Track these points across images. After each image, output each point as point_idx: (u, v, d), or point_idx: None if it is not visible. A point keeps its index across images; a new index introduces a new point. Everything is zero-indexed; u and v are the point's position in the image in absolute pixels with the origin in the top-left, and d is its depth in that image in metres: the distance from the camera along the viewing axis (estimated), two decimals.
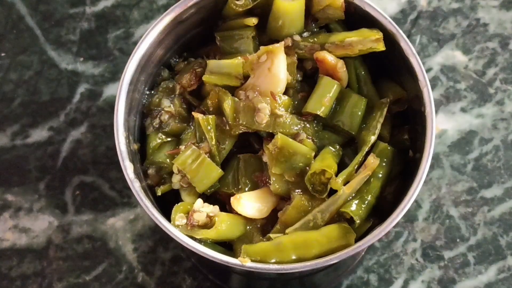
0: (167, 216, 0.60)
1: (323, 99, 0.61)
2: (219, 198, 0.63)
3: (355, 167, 0.60)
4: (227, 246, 0.62)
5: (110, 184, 0.79)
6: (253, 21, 0.62)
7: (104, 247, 0.77)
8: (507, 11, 0.84)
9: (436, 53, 0.83)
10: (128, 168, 0.60)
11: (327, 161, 0.60)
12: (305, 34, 0.64)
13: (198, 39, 0.67)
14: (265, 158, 0.61)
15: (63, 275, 0.77)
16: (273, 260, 0.58)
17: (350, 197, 0.59)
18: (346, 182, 0.59)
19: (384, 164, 0.61)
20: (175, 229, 0.59)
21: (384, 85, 0.65)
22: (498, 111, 0.81)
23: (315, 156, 0.61)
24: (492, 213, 0.78)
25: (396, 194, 0.62)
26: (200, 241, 0.59)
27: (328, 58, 0.62)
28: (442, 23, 0.84)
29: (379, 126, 0.62)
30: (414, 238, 0.77)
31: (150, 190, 0.63)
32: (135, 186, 0.59)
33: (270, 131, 0.61)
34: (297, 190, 0.60)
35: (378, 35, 0.61)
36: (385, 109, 0.62)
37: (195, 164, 0.61)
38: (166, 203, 0.62)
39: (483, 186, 0.79)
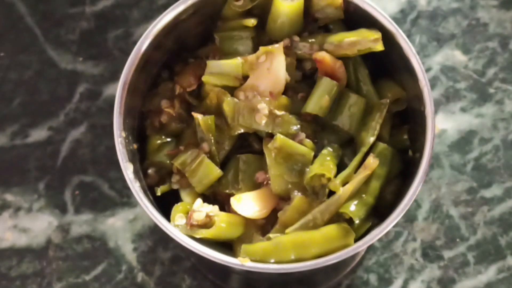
0: (167, 216, 0.60)
1: (322, 100, 0.61)
2: (218, 198, 0.63)
3: (354, 168, 0.60)
4: (227, 246, 0.62)
5: (110, 184, 0.79)
6: (252, 22, 0.62)
7: (104, 247, 0.77)
8: (507, 11, 0.84)
9: (436, 52, 0.83)
10: (128, 168, 0.60)
11: (326, 163, 0.60)
12: (304, 35, 0.64)
13: (197, 39, 0.67)
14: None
15: (63, 275, 0.77)
16: (272, 260, 0.58)
17: (350, 198, 0.59)
18: (345, 183, 0.59)
19: (383, 164, 0.61)
20: (174, 229, 0.59)
21: (384, 85, 0.65)
22: (498, 111, 0.81)
23: (315, 157, 0.61)
24: (492, 213, 0.78)
25: (395, 194, 0.62)
26: (199, 241, 0.59)
27: (327, 58, 0.62)
28: (442, 23, 0.84)
29: (378, 127, 0.62)
30: (414, 238, 0.77)
31: (149, 190, 0.63)
32: (135, 186, 0.59)
33: (270, 131, 0.61)
34: (297, 191, 0.60)
35: (377, 35, 0.61)
36: (385, 110, 0.62)
37: (195, 164, 0.62)
38: (166, 203, 0.62)
39: (483, 186, 0.79)
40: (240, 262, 0.57)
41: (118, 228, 0.78)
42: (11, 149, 0.80)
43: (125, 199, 0.78)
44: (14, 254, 0.77)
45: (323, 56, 0.62)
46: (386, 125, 0.63)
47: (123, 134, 0.60)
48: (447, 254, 0.77)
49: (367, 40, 0.61)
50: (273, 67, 0.61)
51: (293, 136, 0.61)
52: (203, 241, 0.59)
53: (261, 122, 0.60)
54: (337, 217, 0.60)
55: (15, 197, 0.79)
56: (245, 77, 0.62)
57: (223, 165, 0.63)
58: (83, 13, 0.84)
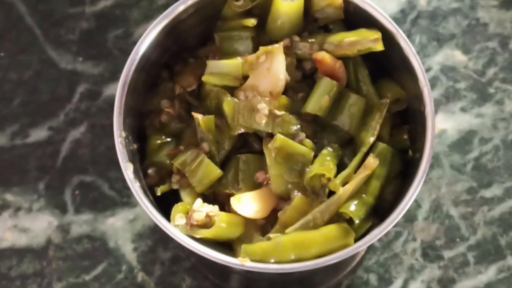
0: (167, 216, 0.60)
1: (322, 100, 0.61)
2: (218, 198, 0.63)
3: (354, 168, 0.60)
4: (227, 246, 0.62)
5: (110, 184, 0.79)
6: (252, 22, 0.62)
7: (104, 247, 0.77)
8: (507, 11, 0.84)
9: (436, 52, 0.83)
10: (128, 168, 0.60)
11: (326, 163, 0.60)
12: (304, 35, 0.64)
13: (197, 39, 0.67)
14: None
15: (63, 275, 0.77)
16: (272, 260, 0.58)
17: (350, 198, 0.59)
18: (345, 183, 0.59)
19: (383, 164, 0.61)
20: (174, 229, 0.59)
21: (384, 85, 0.65)
22: (498, 110, 0.81)
23: (315, 157, 0.61)
24: (492, 212, 0.78)
25: (395, 194, 0.62)
26: (199, 241, 0.59)
27: (327, 58, 0.62)
28: (442, 23, 0.84)
29: (378, 127, 0.62)
30: (414, 238, 0.77)
31: (149, 190, 0.63)
32: (135, 186, 0.59)
33: (270, 131, 0.61)
34: (297, 191, 0.60)
35: (377, 35, 0.61)
36: (385, 110, 0.62)
37: (195, 164, 0.62)
38: (166, 203, 0.62)
39: (483, 186, 0.79)
40: (240, 262, 0.57)
41: (118, 228, 0.78)
42: (11, 149, 0.80)
43: (125, 199, 0.78)
44: (14, 254, 0.77)
45: (323, 56, 0.62)
46: (386, 125, 0.63)
47: (123, 134, 0.60)
48: (447, 254, 0.77)
49: (367, 40, 0.61)
50: (273, 67, 0.61)
51: (293, 136, 0.61)
52: (203, 241, 0.59)
53: (261, 122, 0.60)
54: (337, 217, 0.60)
55: (15, 197, 0.79)
56: (245, 77, 0.62)
57: (223, 165, 0.63)
58: (83, 13, 0.84)
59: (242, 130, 0.62)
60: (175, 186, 0.64)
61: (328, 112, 0.62)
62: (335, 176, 0.60)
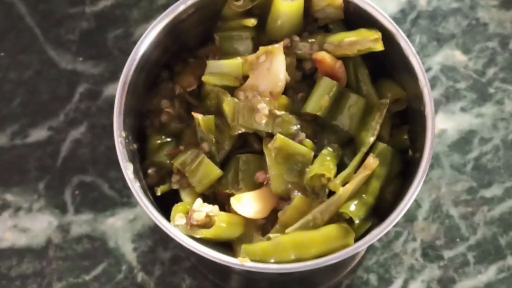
0: (167, 216, 0.60)
1: (322, 100, 0.61)
2: (218, 198, 0.63)
3: (354, 168, 0.60)
4: (227, 246, 0.62)
5: (110, 184, 0.79)
6: (252, 22, 0.62)
7: (104, 247, 0.77)
8: (507, 11, 0.84)
9: (436, 52, 0.83)
10: (128, 168, 0.60)
11: (326, 163, 0.60)
12: (304, 35, 0.64)
13: (197, 39, 0.67)
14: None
15: (63, 275, 0.77)
16: (272, 260, 0.58)
17: (350, 198, 0.59)
18: (345, 183, 0.59)
19: (383, 164, 0.61)
20: (174, 229, 0.59)
21: (384, 85, 0.65)
22: (498, 110, 0.81)
23: (315, 157, 0.61)
24: (492, 212, 0.78)
25: (395, 194, 0.62)
26: (199, 241, 0.59)
27: (327, 58, 0.62)
28: (442, 23, 0.84)
29: (378, 127, 0.62)
30: (414, 237, 0.77)
31: (149, 190, 0.63)
32: (135, 186, 0.59)
33: (270, 131, 0.61)
34: (297, 191, 0.60)
35: (377, 35, 0.61)
36: (385, 110, 0.62)
37: (195, 164, 0.62)
38: (166, 203, 0.62)
39: (483, 185, 0.79)
40: (240, 262, 0.57)
41: (118, 228, 0.78)
42: (11, 149, 0.80)
43: (125, 199, 0.78)
44: (14, 254, 0.77)
45: (323, 56, 0.62)
46: (386, 125, 0.63)
47: (123, 134, 0.60)
48: (447, 254, 0.77)
49: (367, 40, 0.61)
50: (273, 67, 0.61)
51: (293, 136, 0.61)
52: (203, 241, 0.59)
53: (261, 122, 0.60)
54: (337, 217, 0.60)
55: (15, 197, 0.79)
56: (245, 77, 0.62)
57: (223, 165, 0.63)
58: (83, 13, 0.84)
59: (242, 130, 0.62)
60: (175, 186, 0.64)
61: (328, 112, 0.62)
62: (335, 176, 0.60)
